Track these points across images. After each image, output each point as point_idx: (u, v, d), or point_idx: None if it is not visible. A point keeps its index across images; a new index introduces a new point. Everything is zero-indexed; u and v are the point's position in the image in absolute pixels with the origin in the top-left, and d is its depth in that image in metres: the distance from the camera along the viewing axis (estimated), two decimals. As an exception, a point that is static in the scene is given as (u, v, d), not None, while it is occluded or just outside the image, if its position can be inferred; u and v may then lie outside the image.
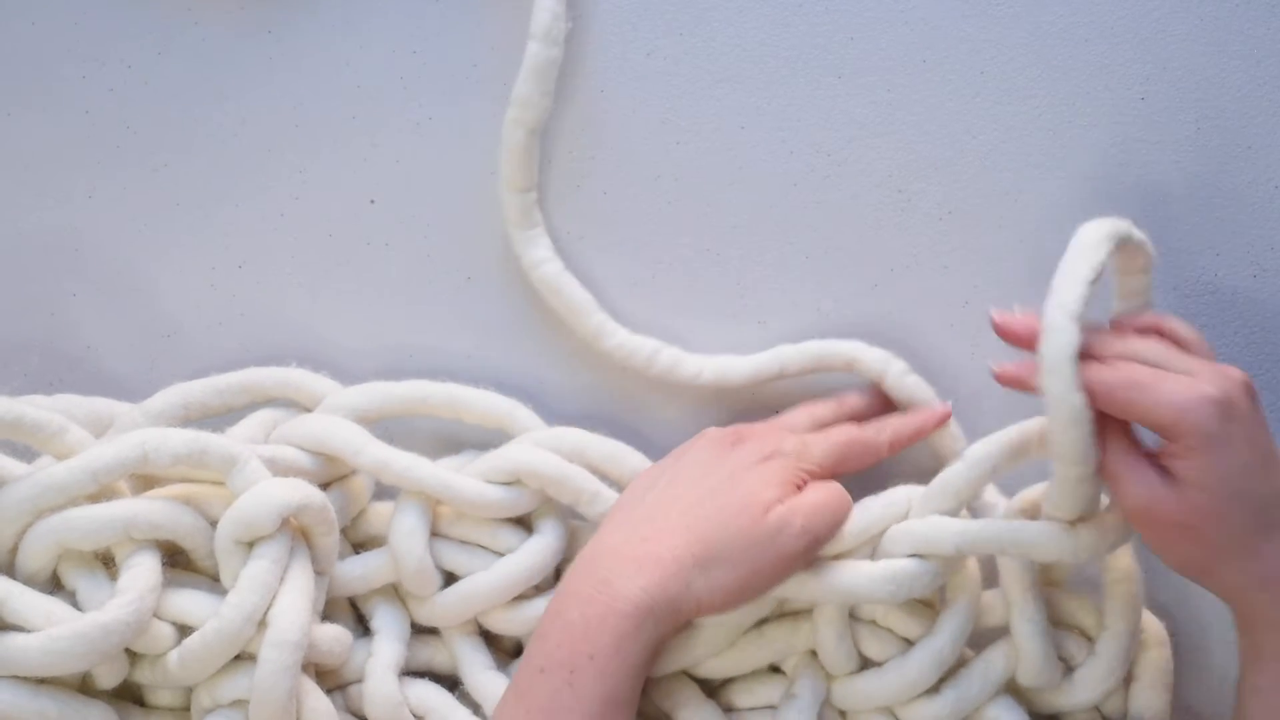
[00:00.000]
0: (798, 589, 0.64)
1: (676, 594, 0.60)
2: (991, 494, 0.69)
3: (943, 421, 0.69)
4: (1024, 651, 0.65)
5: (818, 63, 0.70)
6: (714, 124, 0.70)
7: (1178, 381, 0.58)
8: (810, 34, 0.70)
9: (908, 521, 0.64)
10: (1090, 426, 0.58)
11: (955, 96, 0.70)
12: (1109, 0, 0.69)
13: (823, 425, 0.68)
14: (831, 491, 0.64)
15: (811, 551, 0.63)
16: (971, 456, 0.64)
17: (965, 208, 0.70)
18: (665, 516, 0.62)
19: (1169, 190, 0.70)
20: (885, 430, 0.68)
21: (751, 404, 0.71)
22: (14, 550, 0.61)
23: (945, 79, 0.70)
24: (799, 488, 0.63)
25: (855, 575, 0.63)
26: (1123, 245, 0.62)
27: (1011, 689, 0.67)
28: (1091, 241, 0.60)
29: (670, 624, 0.60)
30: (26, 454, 0.64)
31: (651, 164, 0.70)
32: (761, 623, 0.67)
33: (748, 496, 0.62)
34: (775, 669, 0.68)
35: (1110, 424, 0.60)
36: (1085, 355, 0.59)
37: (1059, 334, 0.58)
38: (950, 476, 0.65)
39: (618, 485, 0.68)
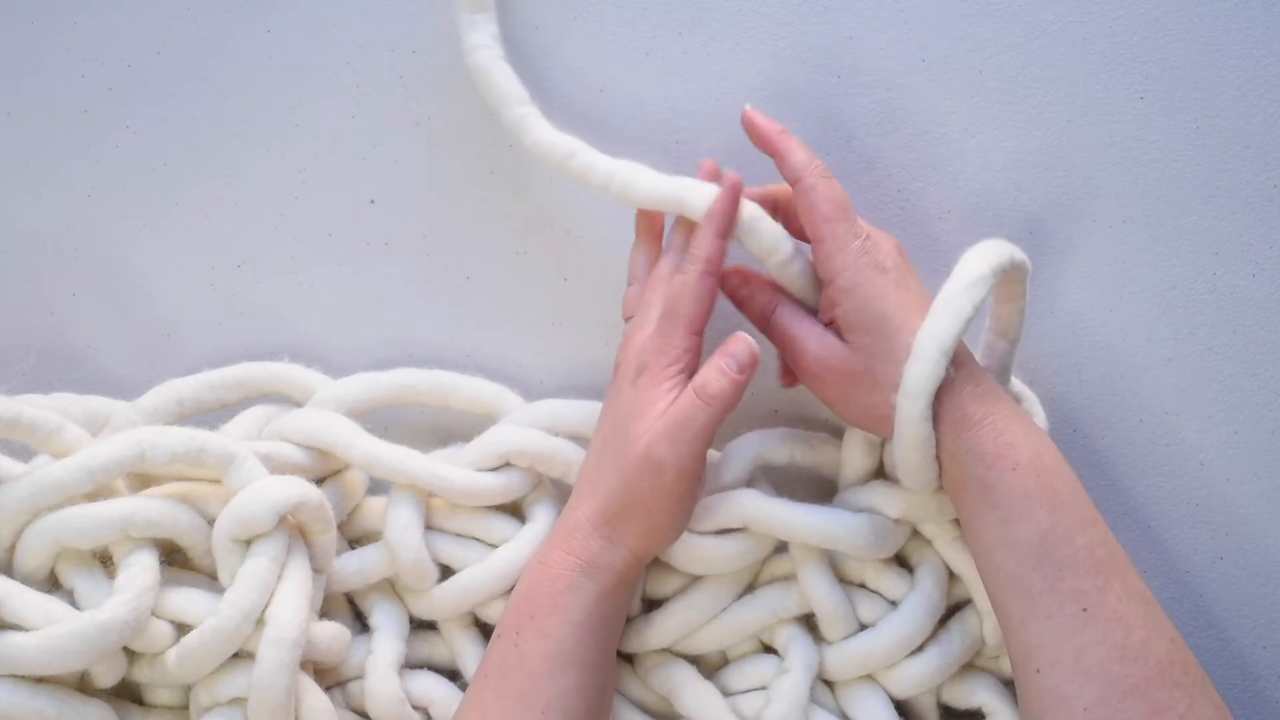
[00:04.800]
0: (778, 527, 0.65)
1: (599, 551, 0.62)
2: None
3: (733, 192, 0.64)
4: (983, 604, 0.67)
5: (818, 63, 0.70)
6: (714, 123, 0.70)
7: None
8: (810, 34, 0.70)
9: (870, 484, 0.67)
10: (932, 451, 0.60)
11: (954, 96, 0.70)
12: (1109, 0, 0.69)
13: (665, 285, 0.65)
14: (681, 404, 0.61)
15: (685, 475, 0.61)
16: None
17: (965, 208, 0.70)
18: (580, 480, 0.64)
19: (1168, 190, 0.70)
20: (694, 259, 0.63)
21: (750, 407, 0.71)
22: (12, 549, 0.61)
23: (945, 79, 0.69)
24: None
25: (834, 519, 0.65)
26: (1005, 276, 0.62)
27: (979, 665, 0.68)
28: (978, 276, 0.60)
29: (610, 576, 0.62)
30: (24, 453, 0.64)
31: (650, 162, 0.70)
32: (752, 586, 0.68)
33: (629, 437, 0.62)
34: (768, 649, 0.68)
35: (779, 294, 0.65)
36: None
37: (926, 364, 0.59)
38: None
39: None
